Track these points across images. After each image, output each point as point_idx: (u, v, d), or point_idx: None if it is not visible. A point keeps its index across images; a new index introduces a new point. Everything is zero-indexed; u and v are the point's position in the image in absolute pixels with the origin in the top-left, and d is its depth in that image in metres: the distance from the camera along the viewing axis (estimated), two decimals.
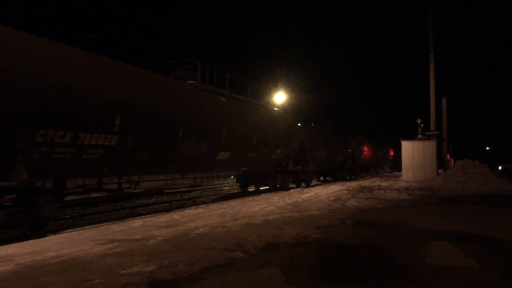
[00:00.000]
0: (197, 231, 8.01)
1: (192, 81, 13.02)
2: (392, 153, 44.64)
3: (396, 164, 45.01)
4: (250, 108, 16.10)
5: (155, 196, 16.83)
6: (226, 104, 14.46)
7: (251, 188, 20.12)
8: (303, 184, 22.06)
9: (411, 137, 25.23)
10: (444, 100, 26.60)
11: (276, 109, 20.41)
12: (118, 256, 6.02)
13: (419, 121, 25.59)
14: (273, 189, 18.90)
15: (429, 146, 24.16)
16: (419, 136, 25.27)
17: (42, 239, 7.65)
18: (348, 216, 10.27)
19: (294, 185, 21.09)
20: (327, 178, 29.46)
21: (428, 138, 25.01)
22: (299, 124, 24.51)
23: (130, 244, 6.86)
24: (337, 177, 28.82)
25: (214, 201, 15.36)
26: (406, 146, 24.60)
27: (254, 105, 16.77)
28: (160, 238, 7.37)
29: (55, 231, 8.57)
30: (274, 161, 18.33)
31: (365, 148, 33.95)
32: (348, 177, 29.74)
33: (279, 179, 19.24)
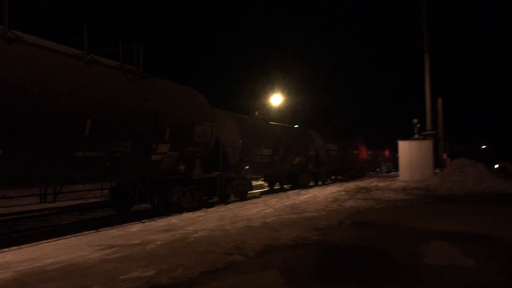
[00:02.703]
0: (195, 235, 8.00)
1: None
2: (388, 154, 44.74)
3: (393, 165, 45.12)
4: None
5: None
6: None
7: None
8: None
9: (407, 137, 25.30)
10: (439, 100, 26.68)
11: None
12: (117, 261, 6.01)
13: (415, 121, 25.67)
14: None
15: (426, 146, 24.23)
16: (416, 136, 25.34)
17: (40, 245, 7.62)
18: (346, 217, 10.29)
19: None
20: (284, 186, 22.83)
21: (424, 138, 25.07)
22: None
23: (129, 249, 6.85)
24: (295, 184, 22.68)
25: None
26: (403, 146, 24.66)
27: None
28: (158, 242, 7.36)
29: (54, 236, 8.54)
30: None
31: (362, 149, 33.95)
32: (311, 183, 24.53)
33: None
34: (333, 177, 30.00)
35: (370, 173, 38.80)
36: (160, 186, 11.53)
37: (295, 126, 25.07)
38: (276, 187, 23.04)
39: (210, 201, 14.67)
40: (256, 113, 20.56)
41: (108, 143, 9.13)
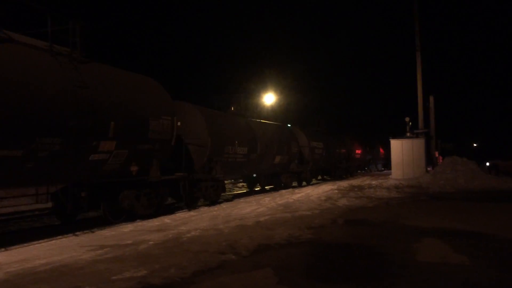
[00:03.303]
0: (188, 235, 7.97)
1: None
2: (382, 152, 44.91)
3: (386, 163, 45.31)
4: None
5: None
6: None
7: None
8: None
9: (400, 135, 25.43)
10: (431, 98, 26.85)
11: None
12: (109, 262, 5.96)
13: (407, 119, 25.81)
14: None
15: (418, 144, 24.38)
16: (408, 134, 25.49)
17: (31, 246, 7.55)
18: (339, 215, 10.31)
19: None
20: (266, 188, 21.42)
21: (416, 136, 25.22)
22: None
23: (121, 249, 6.81)
24: (276, 185, 21.08)
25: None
26: (395, 145, 24.79)
27: None
28: (151, 242, 7.32)
29: (45, 237, 8.46)
30: None
31: (350, 148, 33.67)
32: (294, 184, 22.66)
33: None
34: (319, 177, 29.00)
35: (359, 172, 37.50)
36: (107, 190, 10.08)
37: (278, 123, 23.02)
38: (258, 188, 21.46)
39: (178, 205, 13.82)
40: (232, 108, 18.56)
41: (26, 140, 7.48)
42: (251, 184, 21.50)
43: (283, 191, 18.80)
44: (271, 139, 18.88)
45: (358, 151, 35.77)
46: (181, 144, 12.61)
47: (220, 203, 14.23)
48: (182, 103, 13.96)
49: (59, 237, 8.52)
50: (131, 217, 10.54)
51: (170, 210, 12.83)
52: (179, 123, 12.27)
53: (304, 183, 23.71)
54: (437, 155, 28.06)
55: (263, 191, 20.09)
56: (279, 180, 20.78)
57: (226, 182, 17.28)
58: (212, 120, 14.56)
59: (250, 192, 19.73)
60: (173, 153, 12.10)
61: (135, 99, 10.39)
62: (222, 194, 15.54)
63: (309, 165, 23.61)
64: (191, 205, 13.30)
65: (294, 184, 22.64)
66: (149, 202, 11.08)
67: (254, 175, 19.51)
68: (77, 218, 10.99)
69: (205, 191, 13.72)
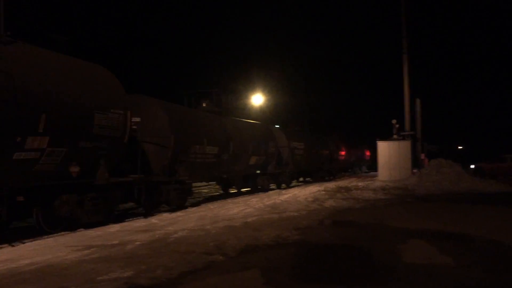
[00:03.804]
0: (175, 235, 7.94)
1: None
2: (368, 153, 45.16)
3: (371, 165, 45.56)
4: None
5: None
6: None
7: None
8: None
9: (386, 137, 25.62)
10: (418, 101, 27.10)
11: None
12: (95, 262, 5.91)
13: (394, 121, 26.00)
14: None
15: (404, 146, 24.57)
16: (395, 136, 25.67)
17: (16, 246, 7.45)
18: (326, 216, 10.35)
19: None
20: (242, 190, 19.61)
21: (403, 138, 25.43)
22: None
23: (107, 250, 6.75)
24: (253, 188, 20.04)
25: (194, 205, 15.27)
26: (382, 147, 24.96)
27: None
28: (138, 243, 7.27)
29: (29, 237, 8.36)
30: None
31: (334, 149, 32.70)
32: (272, 186, 21.33)
33: None
34: (301, 179, 27.96)
35: (343, 174, 35.61)
36: (41, 195, 8.72)
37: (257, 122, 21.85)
38: (234, 190, 19.61)
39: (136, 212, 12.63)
40: (204, 105, 16.91)
41: None
42: (226, 186, 19.54)
43: (271, 192, 18.77)
44: (247, 138, 17.54)
45: (342, 153, 34.55)
46: (137, 143, 11.30)
47: (186, 208, 12.85)
48: (140, 96, 12.67)
49: (44, 236, 8.41)
50: (74, 226, 9.35)
51: (126, 216, 11.87)
52: (138, 119, 11.52)
53: (283, 185, 22.43)
54: (423, 157, 28.32)
55: (239, 193, 18.65)
56: (255, 182, 19.56)
57: (199, 184, 16.84)
58: (177, 116, 13.04)
59: (225, 195, 18.34)
60: (128, 152, 10.80)
61: (76, 88, 8.94)
62: (190, 197, 14.53)
63: (288, 167, 22.46)
64: (150, 211, 11.91)
65: (273, 186, 21.41)
66: (96, 208, 9.54)
67: (225, 176, 17.57)
68: (11, 226, 9.63)
69: (167, 195, 12.24)
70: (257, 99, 35.89)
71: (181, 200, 12.98)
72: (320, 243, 7.34)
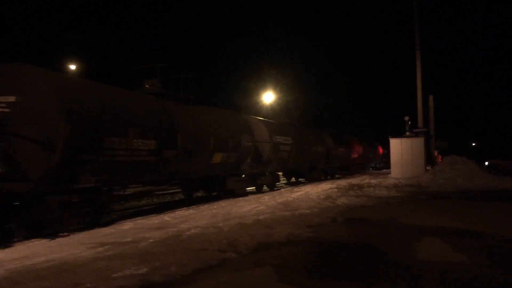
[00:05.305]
0: (188, 232, 7.97)
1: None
2: (381, 151, 44.91)
3: (385, 162, 45.22)
4: None
5: (146, 198, 16.64)
6: None
7: None
8: None
9: (399, 134, 25.45)
10: (431, 97, 26.87)
11: None
12: (109, 259, 5.96)
13: (406, 118, 25.84)
14: None
15: (417, 143, 24.40)
16: (407, 133, 25.52)
17: (31, 243, 7.55)
18: (338, 214, 10.32)
19: None
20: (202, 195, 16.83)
21: (416, 135, 25.25)
22: None
23: (121, 247, 6.81)
24: (220, 192, 15.74)
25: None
26: (395, 144, 24.80)
27: None
28: (151, 240, 7.32)
29: (45, 235, 8.46)
30: None
31: (343, 145, 30.52)
32: (250, 188, 17.91)
33: None
34: (293, 179, 25.26)
35: (337, 176, 30.55)
36: None
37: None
38: (202, 194, 17.00)
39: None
40: (147, 86, 13.03)
41: None
42: (188, 190, 16.27)
43: (282, 189, 18.72)
44: (207, 130, 13.65)
45: (340, 149, 29.80)
46: (9, 135, 8.12)
47: (100, 226, 9.22)
48: (17, 65, 8.67)
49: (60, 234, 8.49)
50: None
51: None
52: (12, 98, 8.24)
53: (265, 187, 18.91)
54: (436, 154, 28.06)
55: (206, 199, 15.23)
56: (223, 185, 15.24)
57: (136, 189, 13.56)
58: (74, 93, 9.06)
59: (181, 202, 14.94)
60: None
61: None
62: (113, 212, 11.41)
63: (270, 166, 18.40)
64: (30, 235, 8.18)
65: (251, 189, 17.94)
66: None
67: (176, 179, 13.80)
68: None
69: (60, 213, 8.31)
70: (268, 97, 35.88)
71: (86, 218, 9.30)
72: (332, 240, 7.31)
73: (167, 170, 12.23)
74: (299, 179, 25.52)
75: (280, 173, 22.75)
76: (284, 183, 23.27)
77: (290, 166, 21.57)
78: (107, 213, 10.48)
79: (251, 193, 17.11)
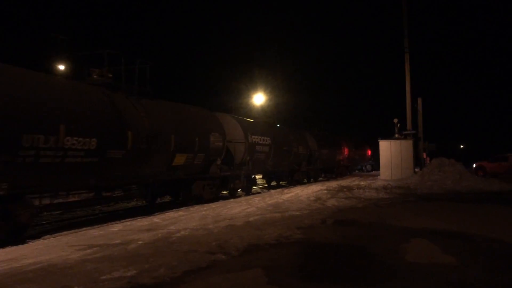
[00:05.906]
0: (178, 234, 7.94)
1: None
2: (369, 152, 45.10)
3: (372, 164, 45.42)
4: None
5: (135, 200, 16.50)
6: None
7: None
8: None
9: (388, 136, 25.61)
10: (419, 100, 27.09)
11: None
12: (97, 262, 5.91)
13: (395, 120, 26.02)
14: None
15: (406, 145, 24.58)
16: (396, 135, 25.69)
17: (19, 246, 7.45)
18: (328, 215, 10.34)
19: None
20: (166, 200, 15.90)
21: (405, 137, 25.43)
22: None
23: (110, 249, 6.75)
24: (185, 197, 14.50)
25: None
26: (384, 146, 24.96)
27: None
28: (140, 242, 7.27)
29: (33, 237, 8.36)
30: None
31: (327, 147, 29.56)
32: (223, 192, 16.64)
33: None
34: (273, 183, 24.15)
35: (320, 178, 29.27)
36: None
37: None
38: (166, 199, 16.02)
39: None
40: (95, 76, 11.42)
41: None
42: (148, 197, 14.22)
43: (272, 191, 18.72)
44: (166, 127, 12.26)
45: (325, 151, 28.91)
46: None
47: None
48: None
49: (47, 236, 8.42)
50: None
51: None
52: None
53: (240, 191, 17.49)
54: (425, 156, 28.29)
55: (171, 205, 14.08)
56: (189, 190, 13.92)
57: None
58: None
59: (136, 210, 13.33)
60: None
61: None
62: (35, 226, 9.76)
63: (245, 168, 17.06)
64: None
65: (224, 193, 16.73)
66: None
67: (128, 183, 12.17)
68: None
69: None
70: (258, 99, 35.88)
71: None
72: (322, 242, 7.33)
73: (114, 174, 10.74)
74: (280, 182, 24.48)
75: (259, 176, 21.84)
76: (259, 188, 21.85)
77: (269, 169, 20.26)
78: (33, 226, 9.17)
79: (224, 197, 15.86)
